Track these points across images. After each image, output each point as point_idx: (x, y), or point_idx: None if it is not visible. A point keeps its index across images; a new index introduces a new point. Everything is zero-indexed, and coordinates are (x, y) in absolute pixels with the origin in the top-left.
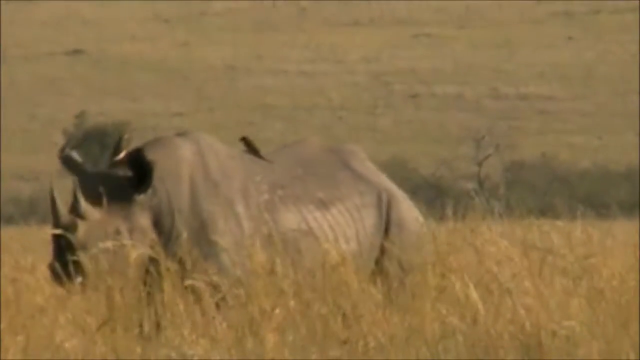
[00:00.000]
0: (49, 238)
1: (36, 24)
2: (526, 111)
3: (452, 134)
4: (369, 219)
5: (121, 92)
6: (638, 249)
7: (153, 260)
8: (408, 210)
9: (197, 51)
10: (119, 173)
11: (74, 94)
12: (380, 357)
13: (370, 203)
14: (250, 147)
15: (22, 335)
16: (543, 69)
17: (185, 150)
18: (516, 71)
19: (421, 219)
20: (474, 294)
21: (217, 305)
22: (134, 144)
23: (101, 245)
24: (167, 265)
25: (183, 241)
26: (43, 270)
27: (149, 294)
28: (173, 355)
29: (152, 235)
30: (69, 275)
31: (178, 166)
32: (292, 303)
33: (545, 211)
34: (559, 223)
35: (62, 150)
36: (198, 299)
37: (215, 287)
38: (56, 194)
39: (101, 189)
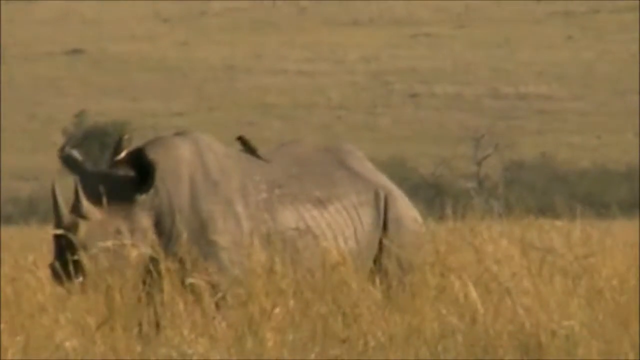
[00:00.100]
0: (49, 237)
1: (35, 23)
2: (525, 111)
3: (451, 133)
4: (367, 218)
5: (121, 91)
6: (638, 248)
7: (153, 260)
8: (406, 208)
9: (197, 51)
10: (120, 173)
11: (74, 94)
12: (379, 357)
13: (367, 201)
14: (247, 147)
15: (21, 334)
16: (542, 69)
17: (184, 150)
18: (515, 71)
19: (419, 218)
20: (474, 294)
21: (217, 305)
22: (134, 143)
23: (101, 244)
24: (167, 265)
25: (183, 241)
26: (43, 270)
27: (148, 293)
28: (173, 354)
29: (153, 235)
30: (69, 275)
31: (178, 166)
32: (291, 302)
33: (545, 211)
34: (559, 222)
35: (62, 149)
36: (198, 298)
37: (214, 287)
38: (58, 193)
39: (103, 189)
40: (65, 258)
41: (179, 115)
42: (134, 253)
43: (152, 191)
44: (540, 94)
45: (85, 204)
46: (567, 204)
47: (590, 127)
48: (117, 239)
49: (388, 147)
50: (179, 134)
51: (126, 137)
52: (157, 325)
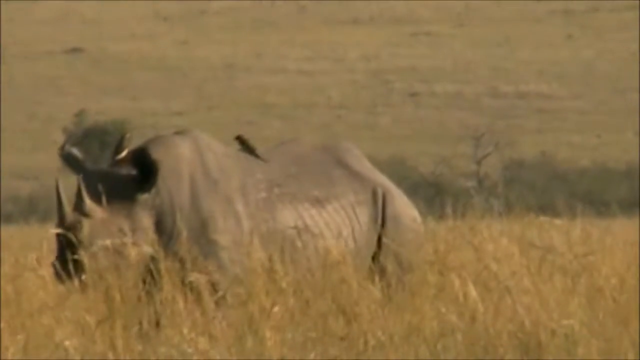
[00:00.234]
0: (50, 236)
1: (35, 22)
2: (525, 109)
3: (451, 132)
4: (364, 217)
5: (121, 90)
6: (638, 247)
7: (154, 259)
8: (404, 206)
9: (197, 50)
10: (122, 172)
11: (74, 93)
12: (379, 355)
13: (365, 200)
14: (245, 146)
15: (21, 334)
16: (542, 67)
17: (184, 148)
18: (515, 69)
19: (418, 216)
20: (473, 293)
21: (217, 304)
22: (134, 142)
23: (100, 243)
24: (167, 264)
25: (183, 240)
26: (43, 269)
27: (148, 292)
28: (173, 353)
29: (154, 234)
30: (70, 274)
31: (178, 165)
32: (291, 301)
33: (545, 209)
34: (558, 221)
35: (63, 147)
36: (198, 297)
37: (214, 286)
38: (62, 191)
39: (104, 188)
40: (67, 257)
41: (178, 114)
42: (135, 252)
43: (153, 190)
44: (540, 93)
45: (88, 203)
46: (567, 202)
47: (590, 126)
48: (120, 238)
49: (388, 146)
50: (178, 132)
51: (127, 136)
52: (157, 324)
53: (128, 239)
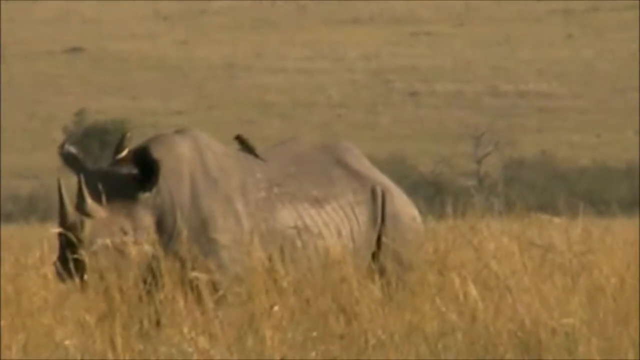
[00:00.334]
0: (49, 235)
1: (35, 22)
2: (525, 109)
3: (451, 131)
4: (363, 216)
5: (120, 90)
6: (638, 246)
7: (154, 258)
8: (403, 205)
9: (197, 49)
10: (122, 171)
11: (74, 92)
12: (379, 354)
13: (364, 200)
14: (245, 146)
15: (22, 333)
16: (542, 67)
17: (185, 148)
18: (515, 69)
19: (418, 215)
20: (473, 291)
21: (217, 303)
22: (134, 142)
23: (101, 242)
24: (168, 263)
25: (183, 239)
26: (43, 268)
27: (148, 291)
28: (173, 352)
29: (155, 234)
30: (70, 273)
31: (178, 164)
32: (292, 300)
33: (545, 208)
34: (558, 220)
35: (63, 146)
36: (198, 296)
37: (215, 285)
38: (64, 191)
39: (105, 187)
40: (68, 256)
41: (178, 113)
42: (135, 251)
43: (154, 189)
44: (540, 92)
45: (90, 202)
46: (567, 202)
47: (590, 125)
48: (121, 237)
49: (388, 145)
50: (179, 132)
51: (128, 135)
52: (158, 323)
53: (129, 238)
